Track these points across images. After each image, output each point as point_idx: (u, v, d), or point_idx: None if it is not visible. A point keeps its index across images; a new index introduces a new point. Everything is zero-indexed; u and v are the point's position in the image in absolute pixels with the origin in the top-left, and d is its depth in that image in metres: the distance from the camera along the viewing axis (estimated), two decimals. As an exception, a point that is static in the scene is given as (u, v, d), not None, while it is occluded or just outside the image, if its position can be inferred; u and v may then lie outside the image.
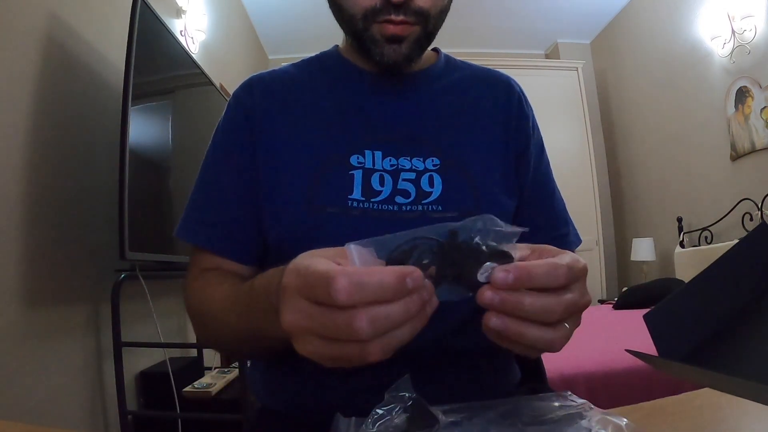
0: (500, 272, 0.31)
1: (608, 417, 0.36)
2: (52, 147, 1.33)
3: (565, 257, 0.34)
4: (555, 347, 0.34)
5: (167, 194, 1.68)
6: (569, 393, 0.42)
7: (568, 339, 0.35)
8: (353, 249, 0.30)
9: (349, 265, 0.31)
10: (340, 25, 0.60)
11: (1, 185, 1.16)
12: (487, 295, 0.31)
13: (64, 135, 1.38)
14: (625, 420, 0.35)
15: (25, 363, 1.19)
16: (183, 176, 1.73)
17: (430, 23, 0.56)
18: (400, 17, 0.53)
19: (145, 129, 1.49)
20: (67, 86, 1.41)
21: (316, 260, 0.30)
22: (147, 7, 1.47)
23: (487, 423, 0.38)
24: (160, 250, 1.52)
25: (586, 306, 0.36)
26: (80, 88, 1.46)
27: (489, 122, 0.64)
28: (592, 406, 0.40)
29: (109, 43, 1.60)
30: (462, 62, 0.71)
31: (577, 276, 0.34)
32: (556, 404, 0.40)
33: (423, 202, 0.56)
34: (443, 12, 0.58)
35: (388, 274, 0.28)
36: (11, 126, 1.20)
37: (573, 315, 0.35)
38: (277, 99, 0.61)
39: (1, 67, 1.17)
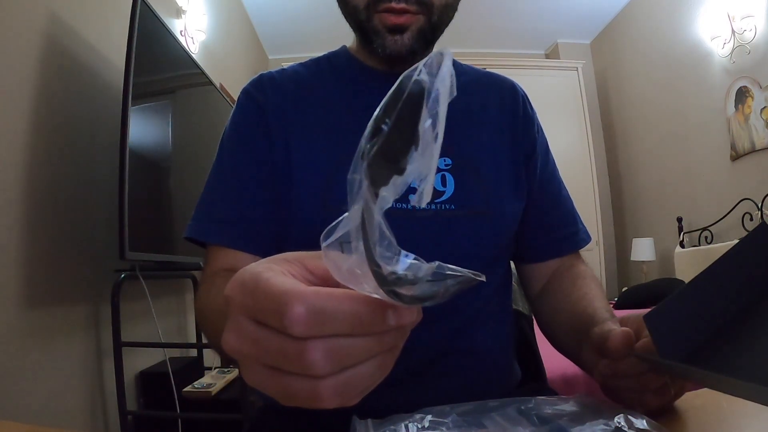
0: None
1: (629, 415, 0.36)
2: (52, 147, 1.33)
3: None
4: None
5: (167, 194, 1.68)
6: (586, 394, 0.43)
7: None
8: (331, 257, 0.23)
9: (324, 267, 0.24)
10: (346, 18, 0.60)
11: (1, 185, 1.16)
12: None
13: (64, 135, 1.38)
14: (646, 418, 0.35)
15: (25, 363, 1.19)
16: (183, 176, 1.73)
17: (434, 14, 0.56)
18: (401, 5, 0.53)
19: (145, 129, 1.49)
20: (67, 86, 1.40)
21: (271, 273, 0.23)
22: (147, 8, 1.47)
23: (506, 420, 0.38)
24: (160, 250, 1.52)
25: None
26: (80, 88, 1.46)
27: (496, 125, 0.65)
28: (611, 405, 0.40)
29: (109, 43, 1.60)
30: (467, 66, 0.71)
31: None
32: (575, 404, 0.41)
33: (436, 201, 0.57)
34: (449, 6, 0.58)
35: (362, 305, 0.22)
36: (11, 126, 1.20)
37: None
38: (290, 98, 0.61)
39: (1, 67, 1.17)
